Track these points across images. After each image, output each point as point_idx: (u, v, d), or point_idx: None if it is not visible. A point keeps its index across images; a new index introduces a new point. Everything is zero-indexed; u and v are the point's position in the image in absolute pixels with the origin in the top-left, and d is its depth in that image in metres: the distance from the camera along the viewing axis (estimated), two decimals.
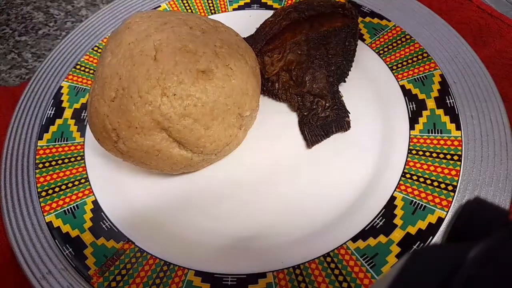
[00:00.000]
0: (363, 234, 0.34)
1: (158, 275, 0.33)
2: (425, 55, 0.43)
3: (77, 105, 0.44)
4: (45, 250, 0.36)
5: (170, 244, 0.35)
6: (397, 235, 0.33)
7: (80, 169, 0.40)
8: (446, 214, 0.34)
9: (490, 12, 0.49)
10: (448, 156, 0.37)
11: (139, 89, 0.33)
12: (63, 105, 0.44)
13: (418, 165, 0.37)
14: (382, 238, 0.34)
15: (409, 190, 0.36)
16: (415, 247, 0.33)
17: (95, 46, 0.48)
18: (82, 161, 0.40)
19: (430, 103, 0.40)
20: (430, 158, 0.37)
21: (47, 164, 0.40)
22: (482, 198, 0.17)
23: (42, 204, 0.37)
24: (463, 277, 0.12)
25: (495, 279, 0.12)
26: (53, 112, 0.44)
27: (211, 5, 0.51)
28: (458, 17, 0.49)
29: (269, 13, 0.47)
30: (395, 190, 0.36)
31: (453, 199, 0.34)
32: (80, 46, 0.50)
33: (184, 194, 0.39)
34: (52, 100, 0.44)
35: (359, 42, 0.45)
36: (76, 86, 0.45)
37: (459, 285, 0.12)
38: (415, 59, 0.43)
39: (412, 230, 0.33)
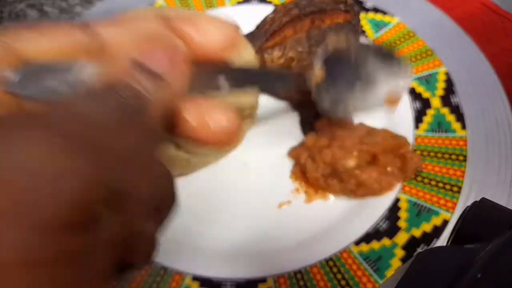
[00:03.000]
0: (367, 237, 0.33)
1: (155, 280, 0.32)
2: (429, 52, 0.42)
3: None
4: None
5: (167, 248, 0.34)
6: (402, 238, 0.33)
7: None
8: (452, 216, 0.33)
9: (495, 10, 0.48)
10: (453, 156, 0.36)
11: None
12: None
13: (422, 165, 0.36)
14: (386, 241, 0.33)
15: (414, 191, 0.35)
16: (419, 250, 0.32)
17: None
18: None
19: (435, 102, 0.39)
20: (435, 159, 0.36)
21: None
22: (488, 199, 0.17)
23: None
24: (469, 280, 0.12)
25: (502, 283, 0.12)
26: None
27: (208, 0, 0.50)
28: (462, 14, 0.48)
29: (269, 9, 0.46)
30: (399, 191, 0.35)
31: (458, 200, 0.34)
32: None
33: (182, 197, 0.37)
34: None
35: (362, 39, 0.44)
36: None
37: None
38: (419, 57, 0.42)
39: (417, 232, 0.33)
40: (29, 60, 0.12)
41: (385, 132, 0.37)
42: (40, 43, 0.13)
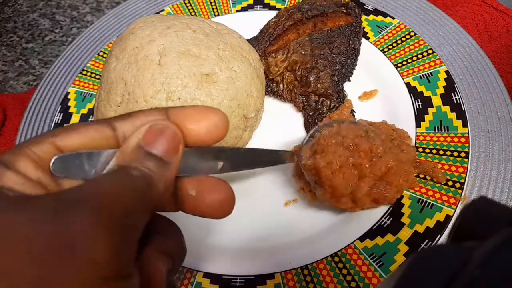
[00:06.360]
0: (371, 233, 0.34)
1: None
2: (430, 51, 0.43)
3: (84, 111, 0.45)
4: None
5: None
6: (405, 233, 0.33)
7: None
8: (454, 212, 0.34)
9: (496, 7, 0.48)
10: (455, 153, 0.36)
11: (144, 94, 0.33)
12: (71, 110, 0.45)
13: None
14: (390, 237, 0.33)
15: (416, 188, 0.36)
16: (423, 245, 0.33)
17: (101, 51, 0.49)
18: None
19: (436, 100, 0.40)
20: (437, 156, 0.37)
21: None
22: (487, 197, 0.17)
23: None
24: (468, 277, 0.12)
25: (500, 280, 0.12)
26: (61, 118, 0.44)
27: (214, 7, 0.51)
28: (463, 12, 0.49)
29: (273, 14, 0.47)
30: None
31: (461, 196, 0.34)
32: (86, 51, 0.51)
33: None
34: (60, 106, 0.45)
35: (363, 41, 0.45)
36: (82, 92, 0.46)
37: (464, 285, 0.12)
38: (420, 56, 0.43)
39: (420, 228, 0.33)
40: (68, 150, 0.17)
41: (385, 124, 0.38)
42: (75, 139, 0.17)
